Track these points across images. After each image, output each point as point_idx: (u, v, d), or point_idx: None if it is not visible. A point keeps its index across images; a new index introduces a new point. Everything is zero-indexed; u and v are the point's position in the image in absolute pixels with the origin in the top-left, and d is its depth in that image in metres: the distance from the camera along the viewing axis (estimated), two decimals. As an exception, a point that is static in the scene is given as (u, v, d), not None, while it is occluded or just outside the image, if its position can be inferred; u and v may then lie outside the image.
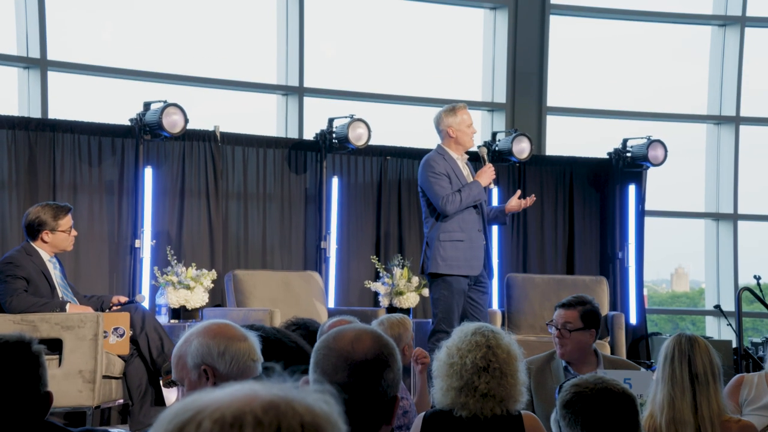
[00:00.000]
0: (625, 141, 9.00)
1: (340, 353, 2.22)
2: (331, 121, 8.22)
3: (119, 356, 5.97)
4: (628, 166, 8.98)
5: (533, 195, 6.88)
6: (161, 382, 5.93)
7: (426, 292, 8.10)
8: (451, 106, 6.65)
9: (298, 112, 8.79)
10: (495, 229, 8.30)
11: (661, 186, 9.48)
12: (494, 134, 8.87)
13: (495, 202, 8.05)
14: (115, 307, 6.21)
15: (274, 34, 8.89)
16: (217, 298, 7.82)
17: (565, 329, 4.71)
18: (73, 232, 6.20)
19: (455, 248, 6.47)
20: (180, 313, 7.41)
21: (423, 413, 3.57)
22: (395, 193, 8.67)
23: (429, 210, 6.58)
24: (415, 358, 4.84)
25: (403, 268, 8.17)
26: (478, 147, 7.10)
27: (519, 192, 6.84)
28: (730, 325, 8.22)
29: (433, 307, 6.58)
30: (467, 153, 6.80)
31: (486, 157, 6.78)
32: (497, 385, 3.39)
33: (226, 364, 2.74)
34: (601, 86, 10.12)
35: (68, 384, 5.67)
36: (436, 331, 6.37)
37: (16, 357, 2.74)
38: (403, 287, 8.07)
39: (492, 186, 6.89)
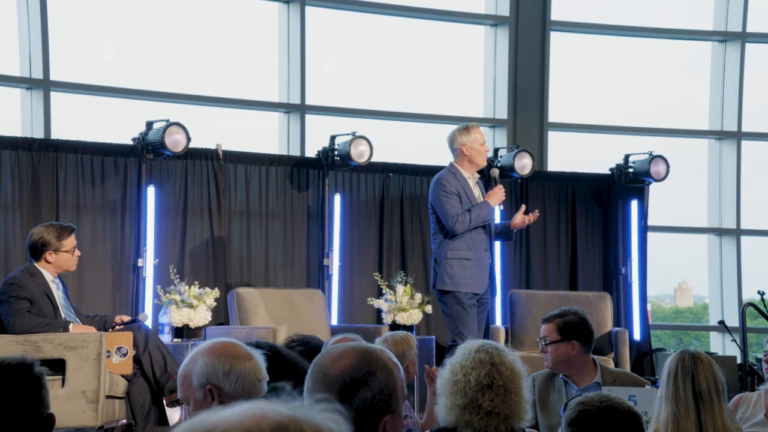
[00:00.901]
0: (626, 156, 9.01)
1: (320, 369, 2.24)
2: (333, 138, 8.23)
3: (122, 376, 5.96)
4: (630, 182, 8.98)
5: (536, 211, 6.89)
6: (165, 402, 5.92)
7: (429, 308, 8.10)
8: (465, 125, 6.72)
9: (300, 130, 8.80)
10: (497, 245, 8.30)
11: (663, 201, 9.47)
12: (496, 150, 8.88)
13: (498, 218, 8.04)
14: (118, 327, 6.21)
15: (275, 52, 8.91)
16: (220, 317, 7.81)
17: (544, 342, 4.76)
18: (77, 253, 6.20)
19: (462, 266, 6.53)
20: (183, 332, 7.39)
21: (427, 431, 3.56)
22: (397, 209, 8.67)
23: (438, 227, 6.63)
24: (427, 376, 4.82)
25: (405, 284, 8.16)
26: (490, 169, 7.13)
27: (524, 207, 6.85)
28: (735, 340, 8.19)
29: (449, 324, 6.62)
30: (478, 172, 6.83)
31: (497, 179, 6.82)
32: (501, 402, 3.38)
33: (232, 384, 2.73)
34: (602, 102, 10.13)
35: (71, 404, 5.66)
36: (453, 346, 6.37)
37: (17, 380, 2.73)
38: (405, 304, 8.06)
39: (501, 207, 6.94)
